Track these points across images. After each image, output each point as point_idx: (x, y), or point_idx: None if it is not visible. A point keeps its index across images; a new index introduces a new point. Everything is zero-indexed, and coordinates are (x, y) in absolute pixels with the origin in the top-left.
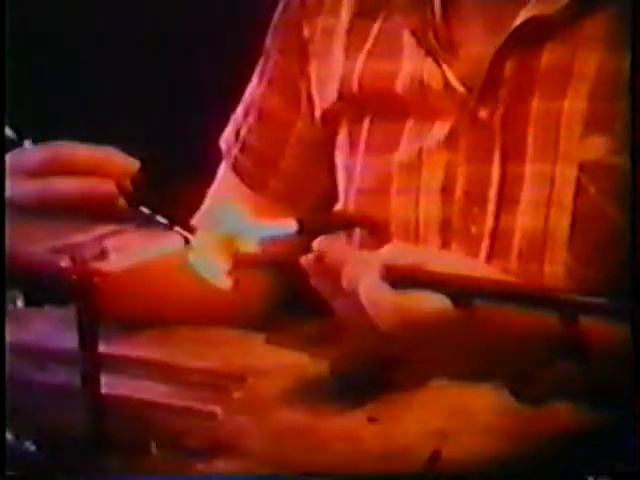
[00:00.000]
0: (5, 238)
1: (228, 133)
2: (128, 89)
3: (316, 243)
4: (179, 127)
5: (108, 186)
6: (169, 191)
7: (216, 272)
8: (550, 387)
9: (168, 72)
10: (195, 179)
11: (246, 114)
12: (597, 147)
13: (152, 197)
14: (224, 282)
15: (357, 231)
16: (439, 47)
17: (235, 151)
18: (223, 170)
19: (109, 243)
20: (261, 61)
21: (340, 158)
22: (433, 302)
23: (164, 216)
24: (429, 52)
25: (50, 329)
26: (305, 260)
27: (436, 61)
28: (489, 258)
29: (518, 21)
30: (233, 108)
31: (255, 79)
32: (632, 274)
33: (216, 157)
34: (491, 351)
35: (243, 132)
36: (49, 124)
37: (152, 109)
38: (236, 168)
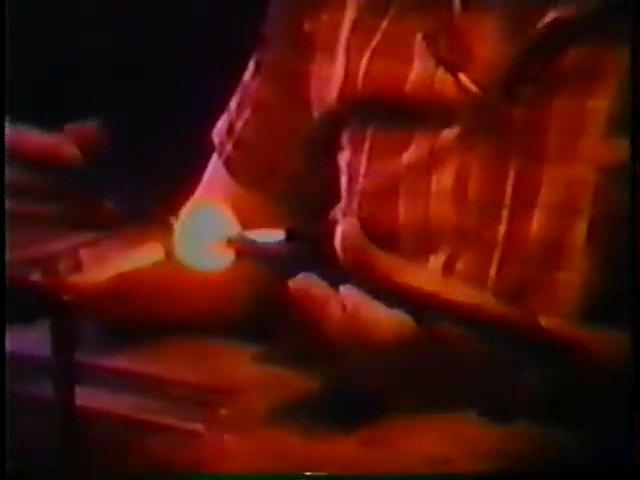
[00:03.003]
0: (5, 243)
1: (221, 126)
2: (118, 77)
3: (292, 282)
4: (170, 118)
5: (72, 149)
6: (156, 184)
7: (206, 259)
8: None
9: (159, 60)
10: (185, 171)
11: (241, 107)
12: (619, 148)
13: (139, 192)
14: (216, 263)
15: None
16: (452, 53)
17: (228, 146)
18: (214, 165)
19: (85, 253)
20: (257, 51)
21: (343, 158)
22: (393, 319)
23: (147, 214)
24: (440, 61)
25: (23, 337)
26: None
27: (448, 69)
28: (501, 264)
29: (544, 21)
30: (227, 98)
31: (250, 70)
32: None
33: (208, 149)
34: (457, 371)
35: (238, 126)
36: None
37: (142, 98)
38: (229, 165)
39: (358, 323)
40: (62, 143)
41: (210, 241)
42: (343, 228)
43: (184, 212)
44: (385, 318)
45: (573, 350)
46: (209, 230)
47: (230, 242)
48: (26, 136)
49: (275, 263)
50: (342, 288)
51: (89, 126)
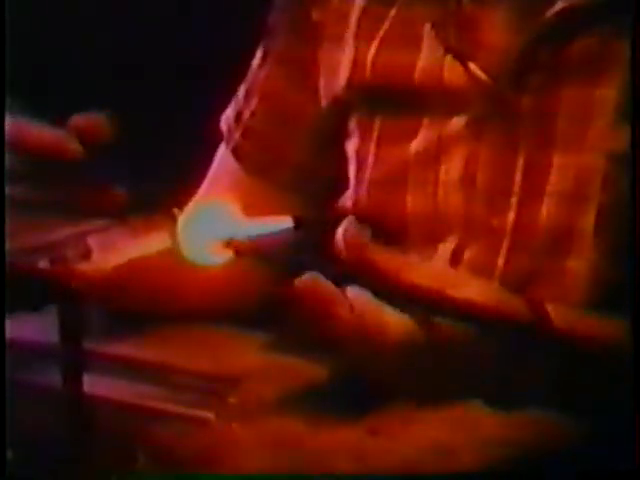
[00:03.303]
0: (5, 237)
1: (229, 114)
2: (125, 66)
3: (299, 281)
4: (178, 107)
5: (74, 144)
6: (164, 173)
7: (207, 255)
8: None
9: (167, 49)
10: (193, 160)
11: (248, 95)
12: (627, 136)
13: (146, 180)
14: (216, 260)
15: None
16: (460, 42)
17: (236, 135)
18: (222, 154)
19: (93, 241)
20: (265, 39)
21: (351, 146)
22: (399, 321)
23: (155, 202)
24: (448, 50)
25: (31, 325)
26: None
27: (457, 58)
28: (510, 253)
29: (554, 10)
30: (235, 87)
31: (258, 58)
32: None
33: (216, 138)
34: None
35: (245, 115)
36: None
37: (150, 87)
38: (237, 153)
39: (365, 324)
40: (63, 138)
41: (211, 239)
42: (342, 227)
43: (189, 207)
44: (390, 320)
45: (577, 341)
46: (211, 228)
47: (229, 244)
48: (26, 129)
49: (275, 261)
50: (348, 288)
51: (95, 118)
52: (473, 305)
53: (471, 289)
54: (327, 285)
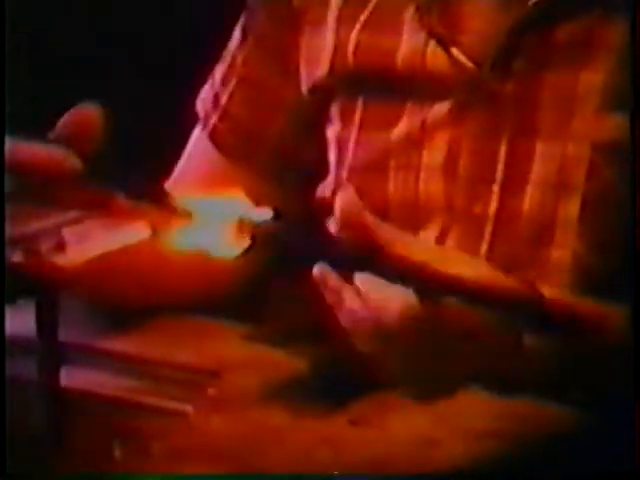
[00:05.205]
0: (5, 237)
1: (205, 97)
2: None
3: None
4: (151, 87)
5: (74, 160)
6: (140, 161)
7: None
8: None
9: (140, 27)
10: (170, 147)
11: (226, 78)
12: (614, 125)
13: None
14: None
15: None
16: (444, 26)
17: (214, 119)
18: (198, 136)
19: (67, 233)
20: (243, 19)
21: (332, 131)
22: (398, 299)
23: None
24: (431, 34)
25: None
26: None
27: (440, 43)
28: (493, 241)
29: None
30: (211, 65)
31: (236, 39)
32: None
33: (192, 123)
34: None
35: (223, 98)
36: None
37: (125, 74)
38: (215, 137)
39: (370, 306)
40: (61, 155)
41: (228, 228)
42: (341, 197)
43: (202, 201)
44: (392, 296)
45: (573, 322)
46: (228, 217)
47: (243, 229)
48: (22, 150)
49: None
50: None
51: (85, 115)
52: (469, 281)
53: (465, 266)
54: (335, 276)
